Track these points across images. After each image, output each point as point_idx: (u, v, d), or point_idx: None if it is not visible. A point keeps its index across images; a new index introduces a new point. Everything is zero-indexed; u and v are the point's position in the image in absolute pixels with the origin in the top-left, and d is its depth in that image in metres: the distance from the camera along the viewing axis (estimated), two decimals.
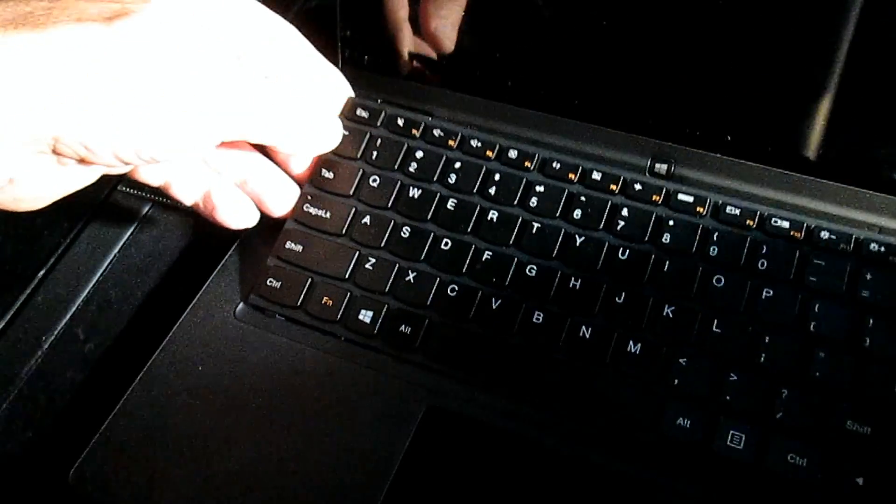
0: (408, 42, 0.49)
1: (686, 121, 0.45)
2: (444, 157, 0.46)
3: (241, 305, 0.43)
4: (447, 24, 0.48)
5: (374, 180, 0.45)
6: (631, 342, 0.39)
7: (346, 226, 0.44)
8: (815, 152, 0.43)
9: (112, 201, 0.51)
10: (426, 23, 0.48)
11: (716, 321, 0.39)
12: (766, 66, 0.43)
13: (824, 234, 0.41)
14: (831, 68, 0.41)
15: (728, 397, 0.37)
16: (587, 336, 0.39)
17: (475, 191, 0.44)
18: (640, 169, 0.46)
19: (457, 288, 0.41)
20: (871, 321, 0.38)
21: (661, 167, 0.46)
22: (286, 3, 0.62)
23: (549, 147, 0.47)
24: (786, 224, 0.42)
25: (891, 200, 0.42)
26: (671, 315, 0.40)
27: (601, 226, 0.43)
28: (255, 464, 0.37)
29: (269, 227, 0.46)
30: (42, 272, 0.47)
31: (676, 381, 0.38)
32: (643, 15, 0.43)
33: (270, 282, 0.43)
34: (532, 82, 0.48)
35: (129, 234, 0.49)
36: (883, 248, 0.40)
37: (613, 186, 0.44)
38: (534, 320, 0.40)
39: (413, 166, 0.45)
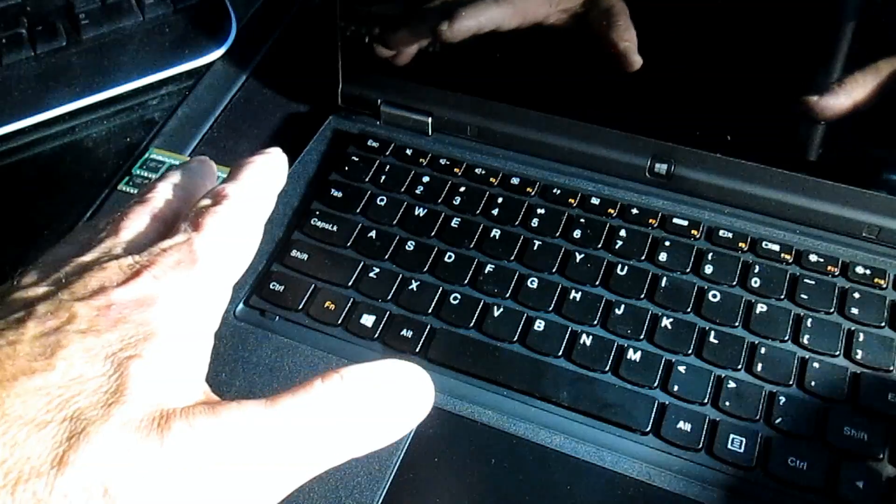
0: (408, 42, 0.49)
1: (686, 121, 0.45)
2: (450, 183, 0.47)
3: (241, 306, 0.43)
4: (447, 25, 0.48)
5: (382, 200, 0.47)
6: (630, 350, 0.40)
7: (353, 239, 0.45)
8: (815, 152, 0.43)
9: (112, 201, 0.51)
10: (426, 23, 0.48)
11: (713, 333, 0.40)
12: (765, 66, 0.43)
13: (813, 258, 0.42)
14: (829, 68, 0.41)
15: (727, 403, 0.38)
16: (587, 344, 0.40)
17: (479, 212, 0.46)
18: (639, 169, 0.46)
19: (459, 297, 0.42)
20: (861, 336, 0.39)
21: (661, 167, 0.46)
22: (287, 3, 0.62)
23: (550, 149, 0.47)
24: (776, 247, 0.43)
25: (891, 200, 0.42)
26: (669, 326, 0.40)
27: (599, 245, 0.44)
28: None
29: (266, 231, 0.46)
30: None
31: (676, 388, 0.38)
32: (643, 16, 0.43)
33: (273, 286, 0.43)
34: (532, 83, 0.48)
35: None
36: (868, 272, 0.42)
37: (611, 210, 0.45)
38: (535, 328, 0.41)
39: (419, 189, 0.47)
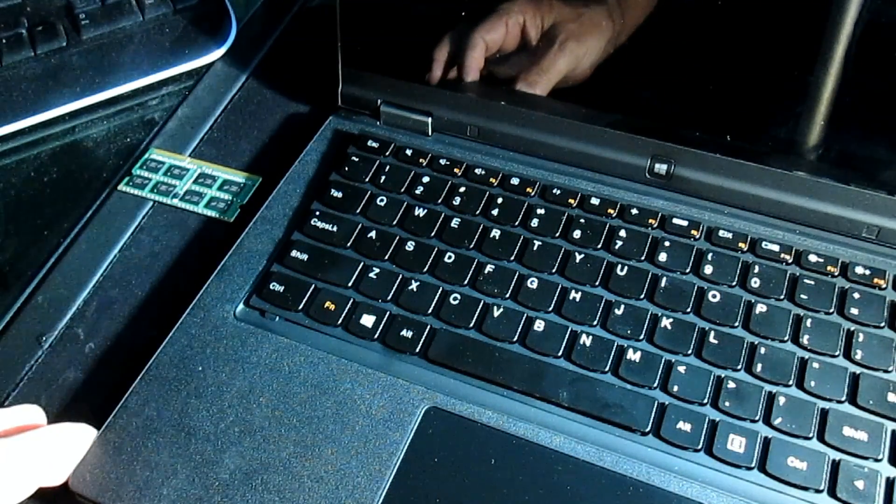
0: (407, 42, 0.49)
1: (686, 121, 0.45)
2: (450, 183, 0.47)
3: (241, 307, 0.43)
4: (447, 26, 0.48)
5: (382, 200, 0.47)
6: (630, 350, 0.40)
7: (353, 239, 0.45)
8: (815, 152, 0.43)
9: (112, 201, 0.51)
10: (426, 23, 0.48)
11: (713, 333, 0.40)
12: (765, 66, 0.43)
13: (812, 258, 0.42)
14: (830, 69, 0.41)
15: (727, 403, 0.38)
16: (587, 344, 0.40)
17: (479, 212, 0.46)
18: (639, 169, 0.46)
19: (459, 297, 0.42)
20: (861, 336, 0.39)
21: (661, 167, 0.46)
22: (287, 3, 0.62)
23: (550, 150, 0.47)
24: (776, 247, 0.43)
25: (891, 200, 0.42)
26: (669, 326, 0.40)
27: (599, 245, 0.44)
28: (255, 463, 0.37)
29: (266, 232, 0.46)
30: (42, 272, 0.47)
31: (676, 388, 0.38)
32: (642, 16, 0.43)
33: (273, 286, 0.43)
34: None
35: (129, 234, 0.49)
36: (868, 272, 0.42)
37: (611, 210, 0.45)
38: (535, 328, 0.41)
39: (419, 190, 0.47)
